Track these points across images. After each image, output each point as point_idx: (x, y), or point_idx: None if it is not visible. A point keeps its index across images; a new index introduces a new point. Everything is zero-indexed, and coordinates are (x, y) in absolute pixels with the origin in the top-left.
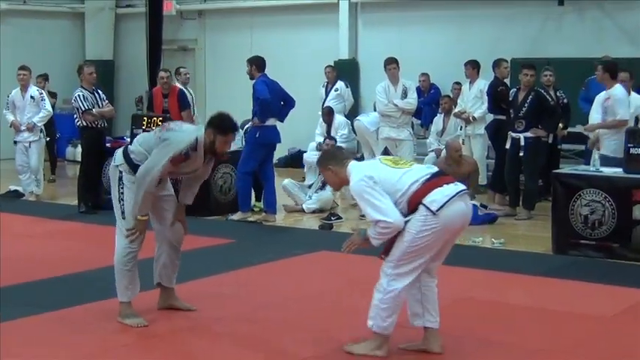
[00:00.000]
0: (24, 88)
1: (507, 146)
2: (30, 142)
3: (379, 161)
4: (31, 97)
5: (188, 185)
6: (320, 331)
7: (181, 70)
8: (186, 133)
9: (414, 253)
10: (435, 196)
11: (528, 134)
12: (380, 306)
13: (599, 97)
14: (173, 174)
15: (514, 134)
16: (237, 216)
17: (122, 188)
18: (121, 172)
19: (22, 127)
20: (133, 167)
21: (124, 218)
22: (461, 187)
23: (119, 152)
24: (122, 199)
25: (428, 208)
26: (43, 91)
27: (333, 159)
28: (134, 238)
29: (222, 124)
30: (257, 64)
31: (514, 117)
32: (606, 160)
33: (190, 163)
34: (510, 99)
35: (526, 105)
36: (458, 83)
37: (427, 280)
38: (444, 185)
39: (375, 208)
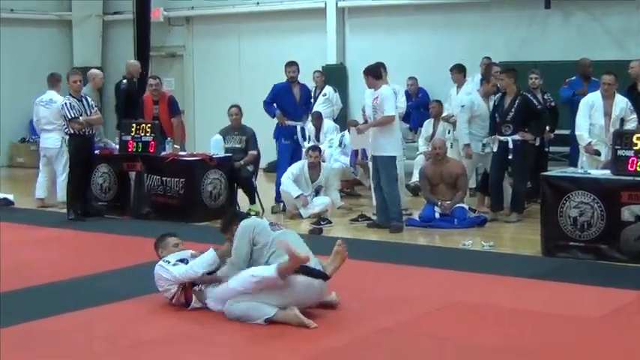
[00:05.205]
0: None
1: (494, 149)
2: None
3: None
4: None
5: None
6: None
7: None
8: None
9: None
10: None
11: (516, 137)
12: None
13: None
14: None
15: (501, 137)
16: None
17: None
18: None
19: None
20: None
21: None
22: None
23: None
24: None
25: None
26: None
27: None
28: None
29: None
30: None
31: (501, 121)
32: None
33: None
34: (495, 103)
35: (513, 109)
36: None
37: None
38: None
39: None
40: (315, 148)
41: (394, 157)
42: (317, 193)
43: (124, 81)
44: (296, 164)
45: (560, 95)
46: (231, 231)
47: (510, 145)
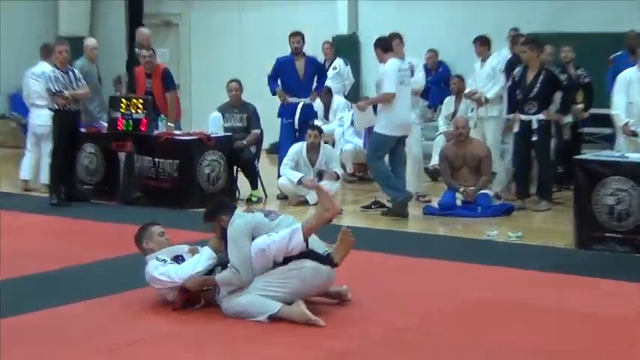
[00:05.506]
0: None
1: (515, 130)
2: None
3: None
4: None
5: None
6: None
7: None
8: None
9: None
10: None
11: (541, 116)
12: None
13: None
14: None
15: (524, 117)
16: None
17: None
18: None
19: None
20: None
21: None
22: None
23: None
24: None
25: None
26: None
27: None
28: None
29: None
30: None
31: (523, 98)
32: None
33: None
34: (516, 79)
35: (537, 85)
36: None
37: None
38: None
39: None
40: (315, 127)
41: (385, 137)
42: (320, 177)
43: (137, 51)
44: (293, 147)
45: (608, 88)
46: (219, 221)
47: (535, 126)
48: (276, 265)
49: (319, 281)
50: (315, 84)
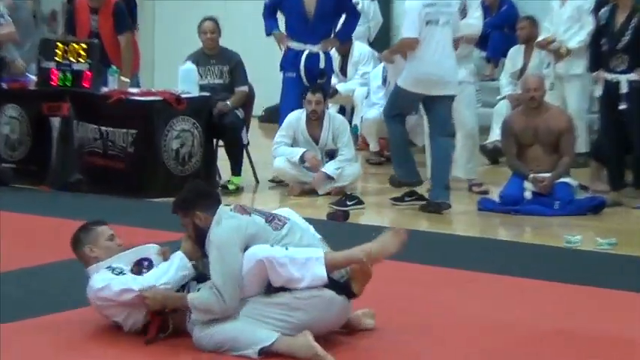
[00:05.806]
0: None
1: (598, 93)
2: None
3: None
4: None
5: None
6: None
7: None
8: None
9: None
10: None
11: (633, 76)
12: None
13: None
14: None
15: (610, 75)
16: None
17: None
18: None
19: None
20: None
21: None
22: None
23: None
24: None
25: None
26: None
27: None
28: None
29: None
30: None
31: (609, 50)
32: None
33: None
34: (602, 22)
35: (628, 33)
36: None
37: None
38: None
39: None
40: (316, 89)
41: (401, 90)
42: (330, 158)
43: None
44: (289, 117)
45: None
46: (193, 217)
47: (624, 89)
48: (268, 290)
49: (333, 316)
50: (336, 28)
